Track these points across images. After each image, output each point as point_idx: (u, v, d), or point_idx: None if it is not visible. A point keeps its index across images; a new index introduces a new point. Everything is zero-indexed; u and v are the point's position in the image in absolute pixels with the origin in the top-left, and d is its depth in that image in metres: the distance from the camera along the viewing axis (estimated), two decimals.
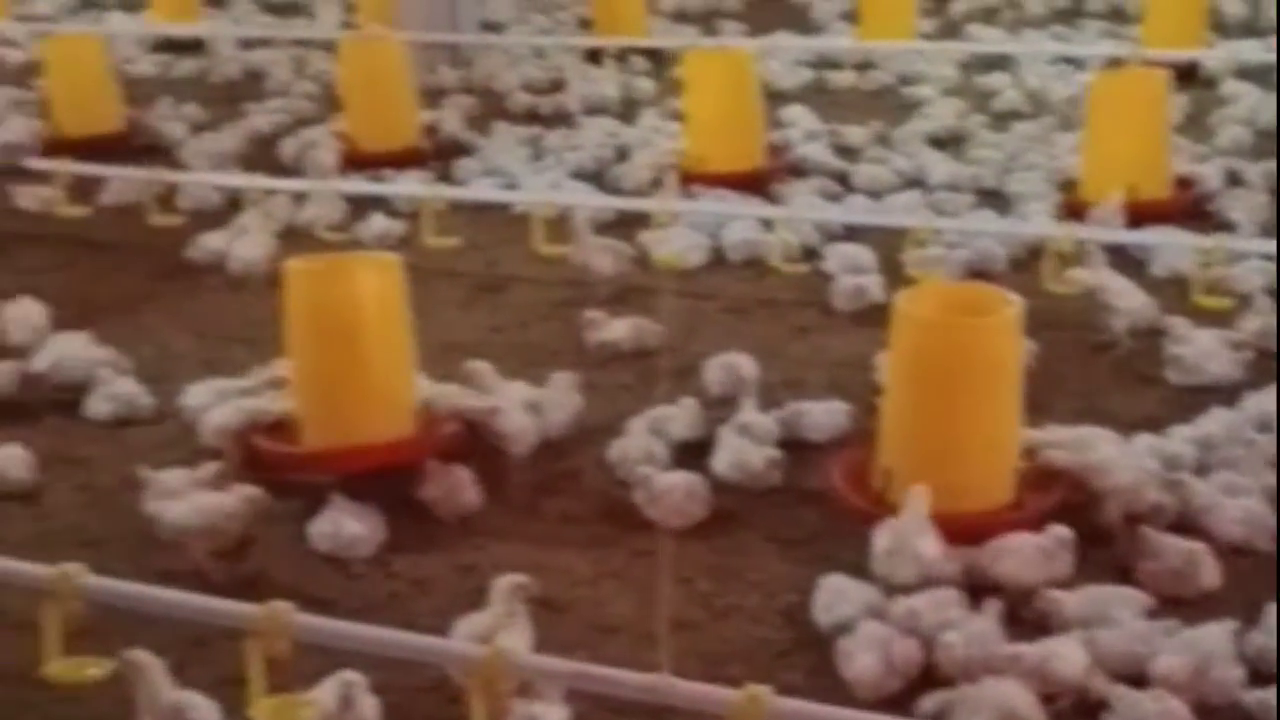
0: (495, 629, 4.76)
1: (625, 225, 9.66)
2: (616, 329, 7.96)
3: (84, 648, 4.97)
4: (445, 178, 11.06)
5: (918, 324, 5.90)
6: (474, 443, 6.52)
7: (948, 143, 11.58)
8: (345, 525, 5.94)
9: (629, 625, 5.46)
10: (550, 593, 5.47)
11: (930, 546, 5.39)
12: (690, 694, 4.33)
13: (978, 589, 5.30)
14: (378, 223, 9.96)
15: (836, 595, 5.31)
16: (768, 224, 9.39)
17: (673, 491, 6.08)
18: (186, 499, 5.90)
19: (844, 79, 14.00)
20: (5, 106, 13.62)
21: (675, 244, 9.27)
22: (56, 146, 11.86)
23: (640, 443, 6.54)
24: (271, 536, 6.10)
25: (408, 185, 10.60)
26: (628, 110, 13.06)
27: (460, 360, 7.12)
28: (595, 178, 10.99)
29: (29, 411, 7.39)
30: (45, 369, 7.54)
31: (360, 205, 10.34)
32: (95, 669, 4.72)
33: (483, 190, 10.55)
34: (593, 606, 5.60)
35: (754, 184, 10.34)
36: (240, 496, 5.84)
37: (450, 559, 5.94)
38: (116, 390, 7.34)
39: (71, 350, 7.60)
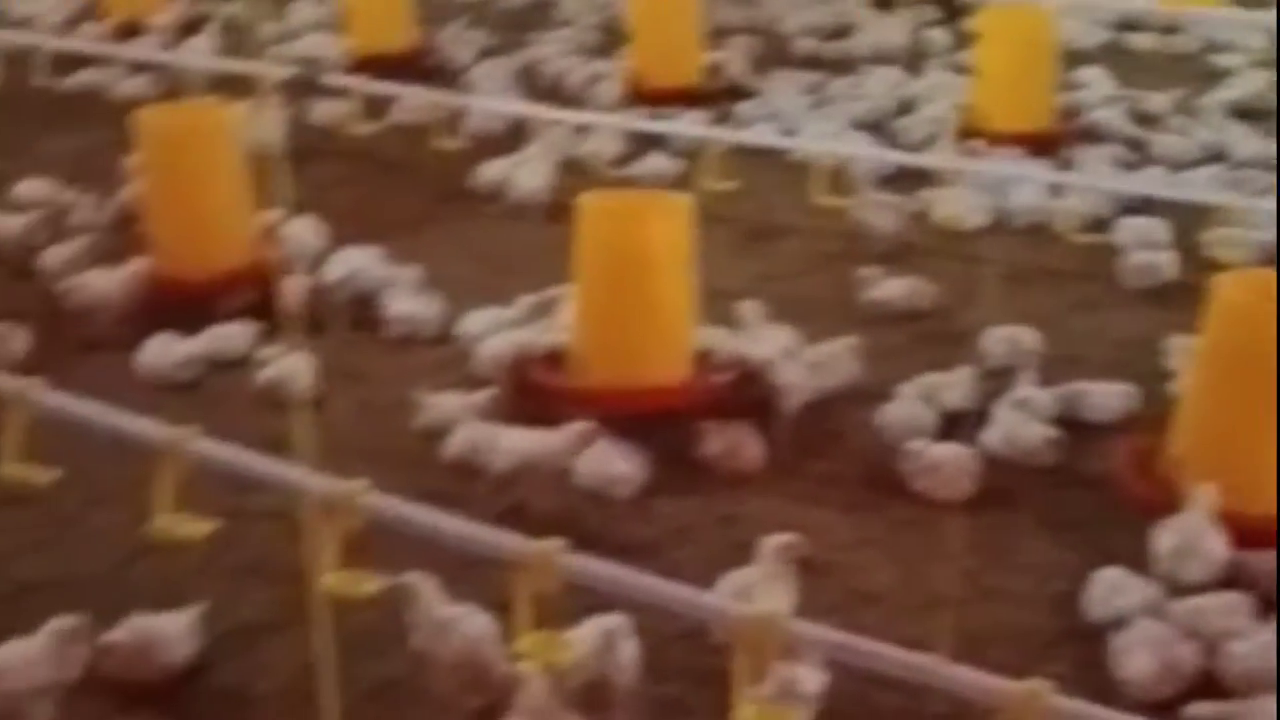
0: (759, 587, 4.70)
1: (906, 180, 9.44)
2: (890, 288, 7.78)
3: (359, 559, 5.09)
4: (724, 120, 10.98)
5: (1242, 311, 5.53)
6: (746, 394, 6.47)
7: (1255, 116, 10.93)
8: (612, 464, 5.96)
9: (888, 594, 5.36)
10: (808, 553, 5.38)
11: (1220, 547, 5.11)
12: (964, 680, 4.18)
13: (1271, 598, 5.01)
14: (655, 161, 9.95)
15: (1112, 588, 5.09)
16: (1056, 189, 9.03)
17: (943, 464, 5.92)
18: (521, 435, 5.90)
19: (1145, 42, 13.35)
20: (306, 23, 14.07)
21: (957, 204, 9.01)
22: (351, 63, 12.20)
23: (910, 409, 6.39)
24: (537, 468, 6.17)
25: (688, 125, 10.55)
26: (914, 61, 12.72)
27: (730, 307, 7.08)
28: (876, 129, 10.76)
29: (316, 323, 7.64)
30: (334, 282, 7.77)
31: (639, 142, 10.35)
32: (370, 585, 4.83)
33: (764, 135, 10.41)
34: (851, 572, 5.51)
35: (1042, 146, 9.97)
36: (570, 434, 5.81)
37: (711, 509, 5.91)
38: (400, 310, 7.53)
39: (361, 266, 7.82)
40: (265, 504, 5.84)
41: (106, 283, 7.51)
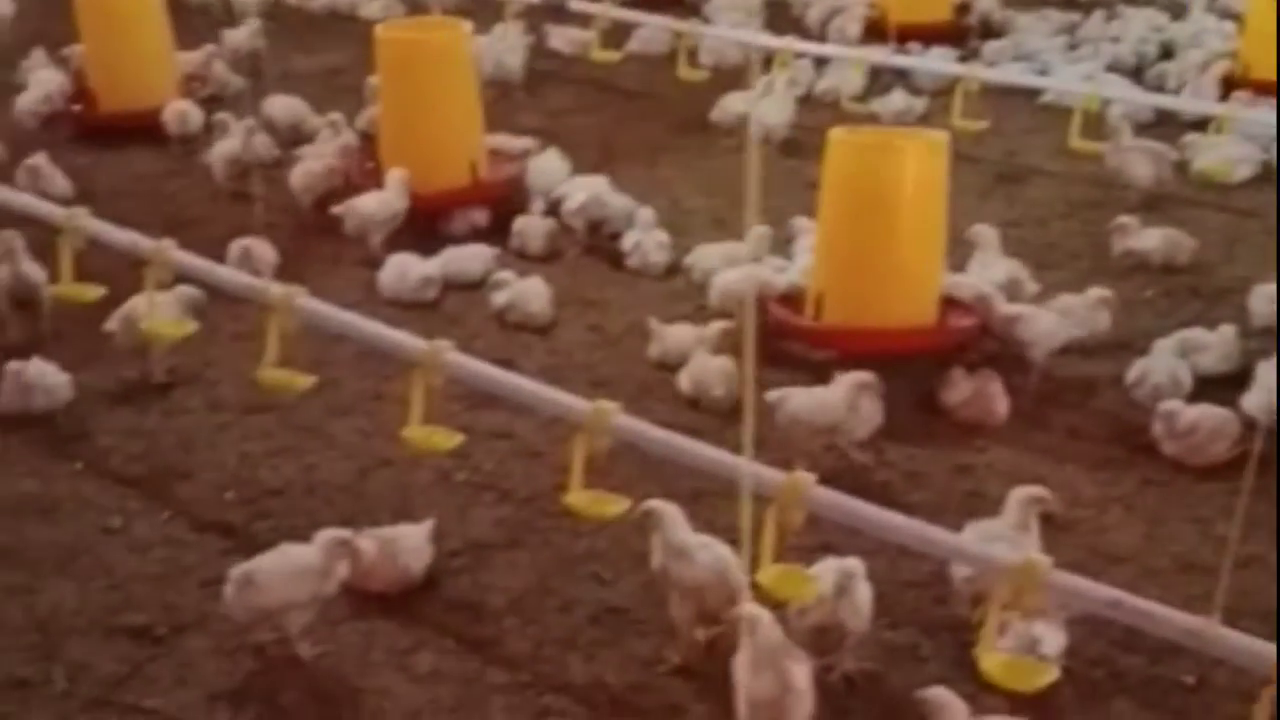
0: (1004, 538, 4.51)
1: (1165, 128, 8.98)
2: (1147, 239, 7.41)
3: (597, 482, 5.06)
4: (972, 58, 10.61)
5: None
6: (991, 341, 6.25)
7: None
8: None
9: (1134, 557, 5.11)
10: (1050, 509, 5.16)
11: None
12: (1239, 646, 3.92)
13: None
14: (898, 98, 9.68)
15: None
16: None
17: (1198, 426, 5.60)
18: (809, 392, 5.67)
19: None
20: None
21: (1221, 154, 8.53)
22: None
23: (1165, 366, 6.06)
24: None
25: (937, 62, 10.23)
26: (1176, 4, 12.10)
27: (974, 251, 6.84)
28: (1134, 74, 10.28)
29: (550, 249, 7.65)
30: (569, 210, 7.76)
31: (881, 78, 10.08)
32: (615, 506, 4.80)
33: (1018, 74, 10.01)
34: (1095, 531, 5.27)
35: None
36: (851, 385, 5.56)
37: (947, 457, 5.72)
38: (636, 239, 7.48)
39: (596, 194, 7.78)
40: (497, 423, 5.89)
41: (374, 203, 7.51)
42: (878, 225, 6.13)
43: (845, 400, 5.50)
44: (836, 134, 6.34)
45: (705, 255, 7.18)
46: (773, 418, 5.50)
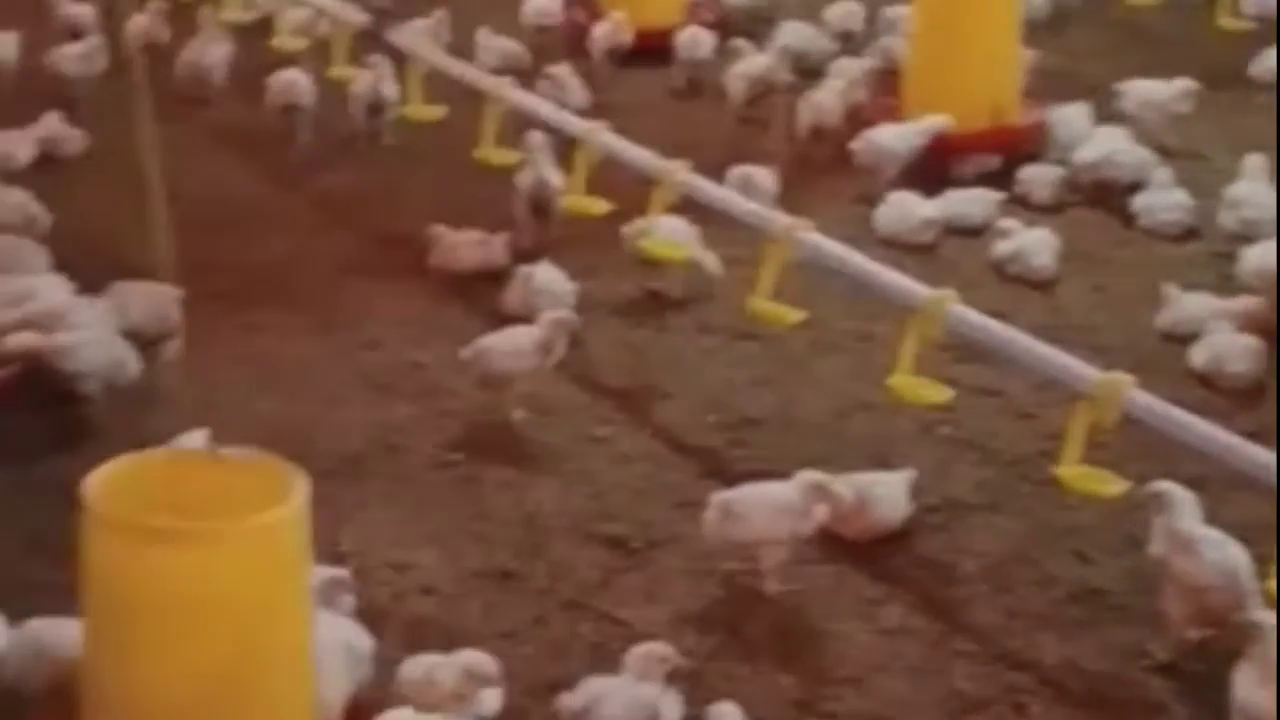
0: None
1: None
2: None
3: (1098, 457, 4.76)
4: None
5: None
6: None
7: None
8: None
9: None
10: None
11: None
12: None
13: None
14: None
15: None
16: None
17: None
18: None
19: None
20: None
21: None
22: None
23: None
24: None
25: None
26: None
27: None
28: None
29: (1057, 199, 7.22)
30: (1086, 162, 7.29)
31: None
32: (1112, 486, 4.50)
33: None
34: None
35: None
36: None
37: None
38: (1152, 198, 6.97)
39: (1118, 148, 7.28)
40: (985, 379, 5.65)
41: (892, 136, 7.32)
42: None
43: None
44: None
45: (1232, 220, 6.62)
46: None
